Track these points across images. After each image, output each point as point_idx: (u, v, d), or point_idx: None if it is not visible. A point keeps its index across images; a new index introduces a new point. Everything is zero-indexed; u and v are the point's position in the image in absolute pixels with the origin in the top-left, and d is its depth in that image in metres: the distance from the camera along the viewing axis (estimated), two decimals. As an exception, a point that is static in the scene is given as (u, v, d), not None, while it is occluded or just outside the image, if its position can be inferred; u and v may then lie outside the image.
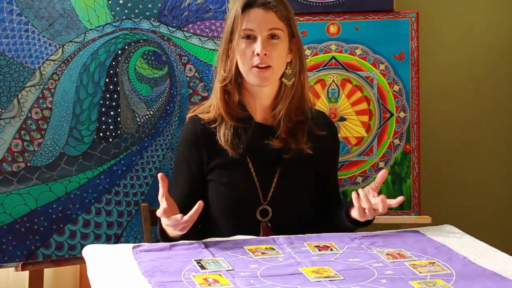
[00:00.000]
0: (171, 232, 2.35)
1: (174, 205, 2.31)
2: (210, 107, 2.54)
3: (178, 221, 2.24)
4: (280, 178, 2.53)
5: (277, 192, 2.52)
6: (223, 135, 2.50)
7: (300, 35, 2.55)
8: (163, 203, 2.26)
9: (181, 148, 2.58)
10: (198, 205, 2.24)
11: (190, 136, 2.55)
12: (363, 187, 3.15)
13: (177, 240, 2.33)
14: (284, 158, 2.52)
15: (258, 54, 2.43)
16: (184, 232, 2.30)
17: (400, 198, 2.33)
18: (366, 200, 2.34)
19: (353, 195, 2.37)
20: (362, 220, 2.41)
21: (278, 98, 2.54)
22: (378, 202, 2.34)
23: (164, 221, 2.32)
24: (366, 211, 2.36)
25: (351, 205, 2.43)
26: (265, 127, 2.54)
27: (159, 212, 2.28)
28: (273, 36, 2.46)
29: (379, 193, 2.40)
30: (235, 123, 2.50)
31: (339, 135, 3.15)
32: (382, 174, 2.38)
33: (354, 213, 2.41)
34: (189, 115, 2.59)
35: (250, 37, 2.46)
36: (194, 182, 2.53)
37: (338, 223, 2.49)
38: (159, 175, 2.25)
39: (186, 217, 2.24)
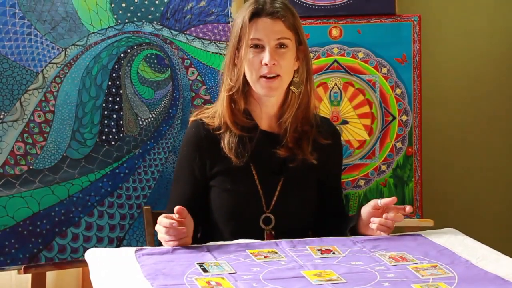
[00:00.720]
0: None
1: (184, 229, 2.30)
2: (216, 113, 2.53)
3: (171, 225, 2.24)
4: (284, 187, 2.52)
5: (280, 200, 2.51)
6: (227, 143, 2.49)
7: (307, 42, 2.53)
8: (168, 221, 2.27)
9: (183, 152, 2.57)
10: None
11: (194, 140, 2.54)
12: (365, 191, 3.17)
13: None
14: (287, 167, 2.51)
15: (266, 64, 2.42)
16: (170, 246, 2.28)
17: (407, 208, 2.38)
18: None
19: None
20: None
21: (284, 106, 2.53)
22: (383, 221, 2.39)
23: (160, 229, 2.30)
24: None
25: (358, 223, 2.44)
26: (271, 135, 2.53)
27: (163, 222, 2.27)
28: (281, 45, 2.45)
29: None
30: (240, 132, 2.49)
31: (341, 139, 3.15)
32: (390, 201, 2.39)
33: (369, 231, 2.42)
34: (192, 118, 2.58)
35: (258, 47, 2.45)
36: (196, 186, 2.53)
37: (343, 230, 2.49)
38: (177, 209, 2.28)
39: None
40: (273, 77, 2.43)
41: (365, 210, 2.43)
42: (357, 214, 2.46)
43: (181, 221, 2.27)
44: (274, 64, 2.42)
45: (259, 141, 2.50)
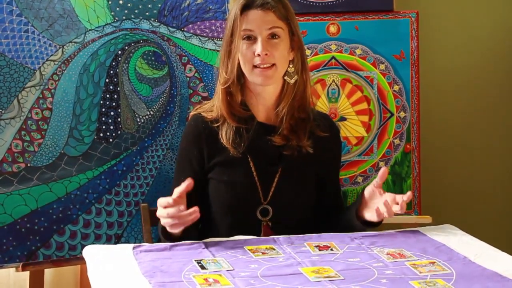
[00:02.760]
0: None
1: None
2: (213, 106, 2.55)
3: (179, 211, 2.24)
4: (281, 178, 2.53)
5: (277, 191, 2.52)
6: (225, 134, 2.51)
7: (300, 32, 2.55)
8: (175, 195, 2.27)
9: (183, 145, 2.59)
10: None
11: (192, 133, 2.56)
12: (363, 187, 3.17)
13: (178, 238, 2.35)
14: (285, 158, 2.52)
15: (259, 55, 2.44)
16: (176, 230, 2.29)
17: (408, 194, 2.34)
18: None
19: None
20: (378, 220, 2.40)
21: (280, 96, 2.55)
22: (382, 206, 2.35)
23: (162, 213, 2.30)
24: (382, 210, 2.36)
25: (359, 206, 2.44)
26: (268, 127, 2.55)
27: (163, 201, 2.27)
28: (273, 36, 2.47)
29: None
30: (237, 124, 2.51)
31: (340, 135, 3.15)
32: (382, 173, 2.37)
33: (370, 215, 2.41)
34: (192, 113, 2.60)
35: (250, 38, 2.47)
36: (195, 180, 2.53)
37: (345, 225, 2.48)
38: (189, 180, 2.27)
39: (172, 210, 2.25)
40: (268, 66, 2.45)
41: (367, 190, 2.41)
42: (359, 196, 2.45)
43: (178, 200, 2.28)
44: (266, 54, 2.44)
45: (256, 132, 2.52)
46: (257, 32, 2.46)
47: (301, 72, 2.54)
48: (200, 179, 2.54)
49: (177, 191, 2.27)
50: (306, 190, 2.56)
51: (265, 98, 2.54)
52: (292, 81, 2.53)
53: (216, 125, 2.53)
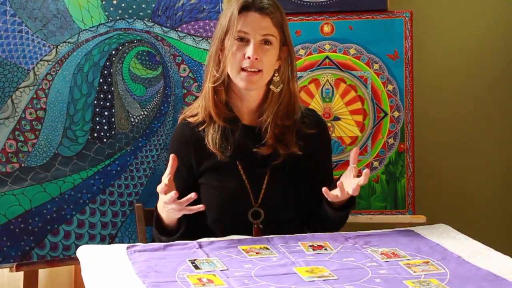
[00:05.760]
0: (166, 218, 2.39)
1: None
2: (198, 108, 2.55)
3: (173, 197, 2.28)
4: (271, 180, 2.53)
5: (268, 193, 2.52)
6: (211, 138, 2.51)
7: (292, 43, 2.55)
8: (165, 180, 2.31)
9: (171, 153, 2.58)
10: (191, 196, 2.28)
11: (179, 140, 2.57)
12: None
13: (172, 229, 2.39)
14: (272, 160, 2.52)
15: (249, 58, 2.44)
16: (178, 215, 2.35)
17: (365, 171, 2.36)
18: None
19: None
20: (331, 199, 2.41)
21: (265, 103, 2.54)
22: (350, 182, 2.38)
23: (162, 198, 2.34)
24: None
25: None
26: (252, 130, 2.54)
27: (159, 188, 2.33)
28: (265, 42, 2.47)
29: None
30: (223, 123, 2.51)
31: (333, 135, 3.15)
32: (353, 154, 2.39)
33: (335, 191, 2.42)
34: (179, 120, 2.61)
35: (243, 40, 2.47)
36: (185, 187, 2.52)
37: (324, 214, 2.49)
38: (172, 156, 2.33)
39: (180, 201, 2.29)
40: (254, 71, 2.45)
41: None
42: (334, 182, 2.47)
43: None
44: (256, 58, 2.44)
45: (241, 135, 2.52)
46: (251, 35, 2.46)
47: (288, 82, 2.54)
48: (191, 185, 2.54)
49: (165, 178, 2.33)
50: (296, 190, 2.56)
51: (249, 101, 2.55)
52: (278, 90, 2.53)
53: (201, 128, 2.53)
